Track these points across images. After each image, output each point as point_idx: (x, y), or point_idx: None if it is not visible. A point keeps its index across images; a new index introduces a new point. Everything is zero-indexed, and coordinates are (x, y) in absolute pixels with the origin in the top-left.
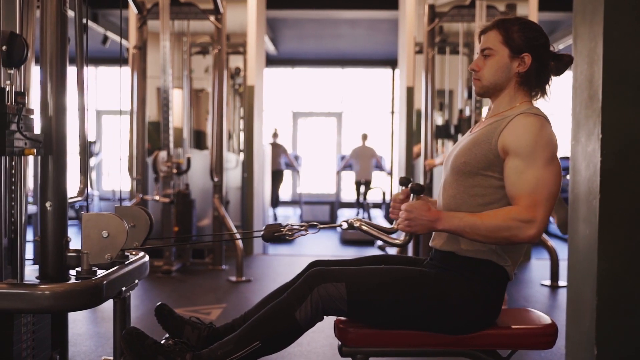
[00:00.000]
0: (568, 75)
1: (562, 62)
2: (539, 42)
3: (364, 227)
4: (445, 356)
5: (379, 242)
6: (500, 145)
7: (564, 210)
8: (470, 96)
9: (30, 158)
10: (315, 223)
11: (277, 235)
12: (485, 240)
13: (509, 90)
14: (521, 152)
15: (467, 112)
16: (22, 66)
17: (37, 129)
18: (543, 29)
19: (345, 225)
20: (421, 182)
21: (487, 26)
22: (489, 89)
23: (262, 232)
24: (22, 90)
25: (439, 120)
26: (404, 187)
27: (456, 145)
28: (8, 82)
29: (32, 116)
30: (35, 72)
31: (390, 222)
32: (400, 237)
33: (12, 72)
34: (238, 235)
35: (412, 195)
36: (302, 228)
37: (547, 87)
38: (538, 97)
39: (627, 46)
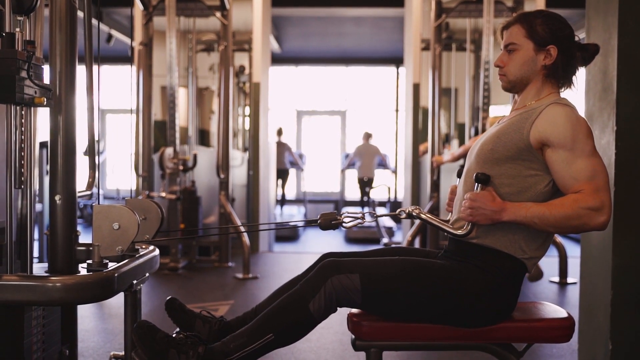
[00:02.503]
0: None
1: (588, 52)
2: (563, 33)
3: (423, 216)
4: (461, 350)
5: (385, 240)
6: (534, 135)
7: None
8: (477, 133)
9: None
10: (372, 212)
11: (335, 223)
12: (554, 231)
13: (535, 83)
14: (566, 143)
15: None
16: (32, 16)
17: (39, 130)
18: (567, 20)
19: (403, 215)
20: (428, 179)
21: (509, 21)
22: (515, 84)
23: (318, 220)
24: (31, 40)
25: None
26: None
27: (482, 137)
28: (18, 29)
29: (42, 66)
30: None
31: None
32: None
33: (21, 19)
34: (275, 226)
35: (476, 184)
36: (359, 216)
37: (573, 78)
38: (565, 88)
39: None
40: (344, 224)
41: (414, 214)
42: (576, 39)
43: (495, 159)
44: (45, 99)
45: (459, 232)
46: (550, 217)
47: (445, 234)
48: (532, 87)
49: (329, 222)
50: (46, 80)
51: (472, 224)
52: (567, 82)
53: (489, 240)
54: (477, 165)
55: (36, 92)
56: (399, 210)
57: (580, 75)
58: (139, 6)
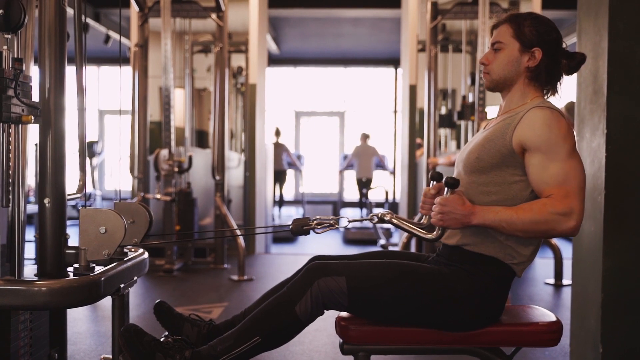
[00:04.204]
0: None
1: (574, 61)
2: (550, 37)
3: (395, 221)
4: (448, 354)
5: (382, 242)
6: (515, 140)
7: None
8: (473, 83)
9: (31, 155)
10: (345, 217)
11: (306, 228)
12: (523, 235)
13: (519, 85)
14: (542, 147)
15: (470, 99)
16: (19, 33)
17: (35, 129)
18: (556, 26)
19: (375, 219)
20: (424, 180)
21: (500, 20)
22: (498, 83)
23: (290, 226)
24: (19, 57)
25: (442, 110)
26: (435, 182)
27: (469, 143)
28: (5, 47)
29: (30, 83)
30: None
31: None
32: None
33: (9, 37)
34: (259, 230)
35: (446, 189)
36: (331, 221)
37: (558, 84)
38: (549, 94)
39: (632, 39)
40: (315, 230)
41: (385, 218)
42: (564, 46)
43: (482, 167)
44: (32, 117)
45: (430, 236)
46: (517, 221)
47: (415, 237)
48: (516, 90)
49: (300, 228)
50: (36, 80)
51: (443, 229)
52: (551, 88)
53: (479, 247)
54: (464, 173)
55: (24, 110)
56: (371, 215)
57: (571, 80)
58: (134, 7)
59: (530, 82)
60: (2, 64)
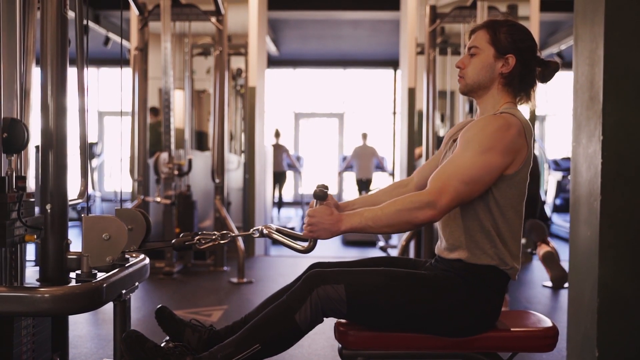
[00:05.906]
0: (569, 76)
1: (548, 69)
2: (524, 45)
3: (274, 235)
4: (446, 359)
5: (381, 244)
6: None
7: (557, 266)
8: (471, 110)
9: (31, 150)
10: (227, 232)
11: (188, 244)
12: (390, 230)
13: (492, 91)
14: (460, 145)
15: None
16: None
17: (35, 133)
18: (532, 34)
19: (256, 234)
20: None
21: (477, 26)
22: (472, 88)
23: (172, 241)
24: (22, 174)
25: (441, 132)
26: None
27: (446, 152)
28: (8, 168)
29: (32, 199)
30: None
31: None
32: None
33: (12, 158)
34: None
35: (315, 201)
36: (214, 237)
37: (531, 92)
38: (522, 101)
39: (628, 46)
40: (197, 245)
41: (264, 232)
42: (538, 54)
43: None
44: (36, 236)
45: (300, 248)
46: (382, 216)
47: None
48: (489, 96)
49: (183, 244)
50: (37, 81)
51: (315, 240)
52: (525, 95)
53: (477, 258)
54: None
55: (26, 230)
56: (252, 229)
57: (568, 85)
58: (134, 11)
59: (504, 88)
60: (5, 188)
